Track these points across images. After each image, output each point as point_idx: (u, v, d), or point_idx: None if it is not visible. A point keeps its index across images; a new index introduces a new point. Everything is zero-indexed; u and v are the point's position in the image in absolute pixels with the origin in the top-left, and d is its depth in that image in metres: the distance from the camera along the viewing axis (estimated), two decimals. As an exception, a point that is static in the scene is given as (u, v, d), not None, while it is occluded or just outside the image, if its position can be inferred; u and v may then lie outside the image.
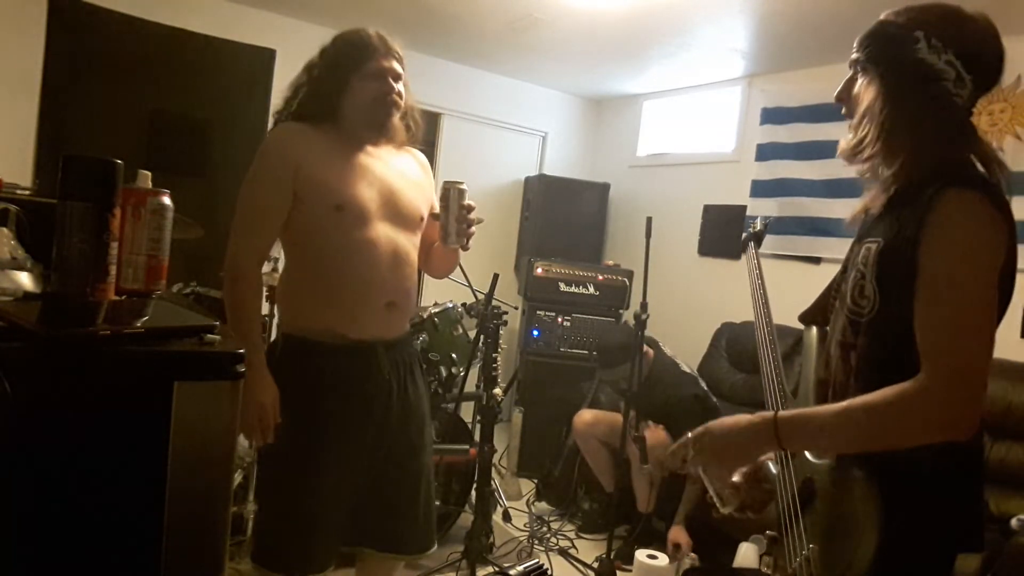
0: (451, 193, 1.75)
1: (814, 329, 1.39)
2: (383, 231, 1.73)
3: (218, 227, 3.36)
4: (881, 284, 1.11)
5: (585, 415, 3.50)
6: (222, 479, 0.90)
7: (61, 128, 3.63)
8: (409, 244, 1.79)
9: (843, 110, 1.24)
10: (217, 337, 0.91)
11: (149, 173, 1.17)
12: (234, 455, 0.94)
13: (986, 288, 1.02)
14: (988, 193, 1.03)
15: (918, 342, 1.03)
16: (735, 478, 1.32)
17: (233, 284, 1.73)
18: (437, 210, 1.85)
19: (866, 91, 1.17)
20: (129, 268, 1.13)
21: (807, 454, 1.25)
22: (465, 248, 1.82)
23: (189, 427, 0.83)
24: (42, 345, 0.80)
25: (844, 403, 1.07)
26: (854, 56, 1.20)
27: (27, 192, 1.61)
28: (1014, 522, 2.41)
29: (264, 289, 2.84)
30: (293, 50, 4.27)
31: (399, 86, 1.76)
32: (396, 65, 1.77)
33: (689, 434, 1.23)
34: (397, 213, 1.77)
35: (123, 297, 1.10)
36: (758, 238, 1.86)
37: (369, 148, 1.78)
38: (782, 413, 1.13)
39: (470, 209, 1.78)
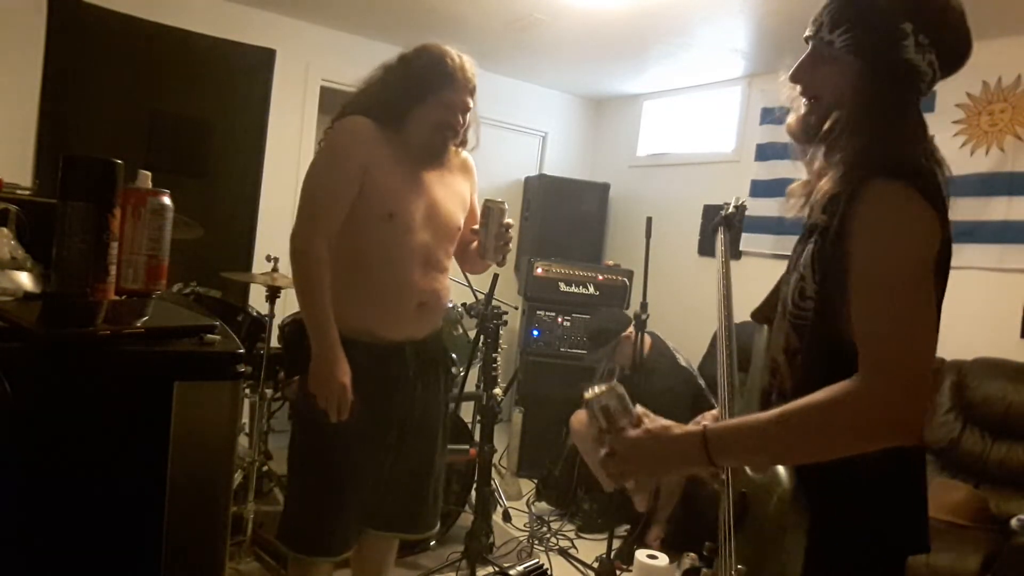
0: (492, 213, 1.88)
1: (765, 330, 1.28)
2: (422, 239, 1.84)
3: (218, 227, 3.37)
4: (820, 285, 1.03)
5: (581, 415, 3.50)
6: (222, 479, 0.90)
7: (61, 128, 3.63)
8: (443, 252, 1.91)
9: (796, 90, 1.13)
10: (217, 337, 0.91)
11: (149, 173, 1.17)
12: (234, 455, 0.94)
13: (917, 280, 0.95)
14: (916, 184, 0.96)
15: (856, 339, 0.96)
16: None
17: (302, 258, 1.75)
18: (466, 212, 1.98)
19: (838, 77, 1.07)
20: (129, 268, 1.13)
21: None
22: (501, 264, 1.99)
23: (189, 427, 0.83)
24: (42, 345, 0.80)
25: (778, 410, 0.97)
26: (826, 37, 1.08)
27: (27, 192, 1.60)
28: (1014, 522, 2.41)
29: (265, 289, 2.86)
30: (293, 50, 4.31)
31: (466, 118, 1.87)
32: (469, 100, 1.85)
33: (608, 438, 1.12)
34: (437, 224, 1.87)
35: (123, 297, 1.10)
36: (728, 222, 1.73)
37: (427, 163, 1.88)
38: (711, 427, 1.03)
39: (509, 227, 1.91)
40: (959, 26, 1.04)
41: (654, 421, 1.10)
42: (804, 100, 1.13)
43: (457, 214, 1.93)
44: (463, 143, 1.97)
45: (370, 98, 1.83)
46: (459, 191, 1.96)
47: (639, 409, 1.12)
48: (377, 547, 2.03)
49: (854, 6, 1.06)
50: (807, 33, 1.13)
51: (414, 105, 1.80)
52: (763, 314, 1.29)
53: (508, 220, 1.89)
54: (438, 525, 2.06)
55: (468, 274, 2.29)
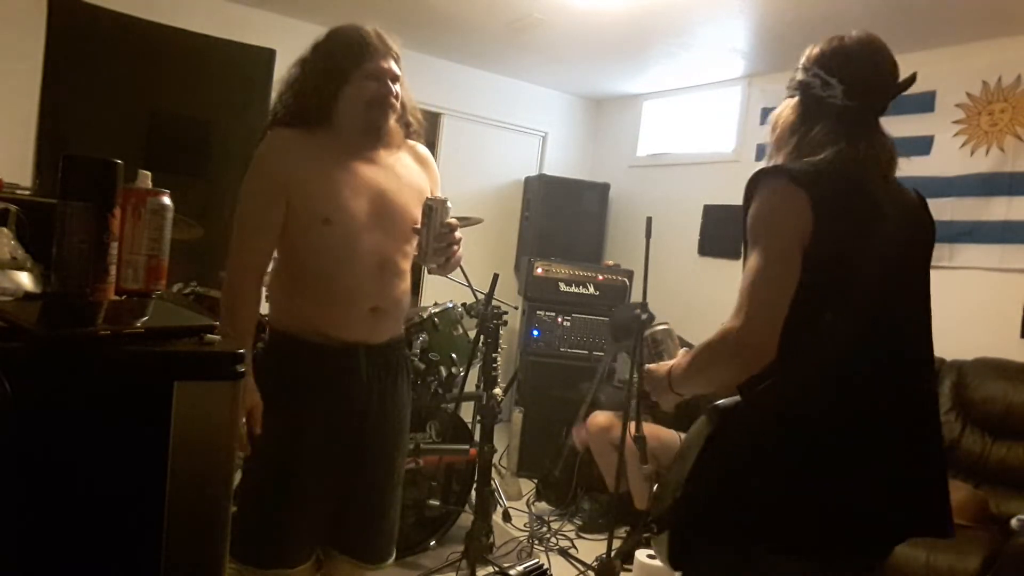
0: (432, 211, 1.65)
1: None
2: (371, 241, 1.70)
3: (218, 227, 3.38)
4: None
5: (600, 418, 3.46)
6: (222, 479, 0.90)
7: (61, 128, 3.63)
8: (398, 252, 1.75)
9: None
10: (217, 337, 0.91)
11: (149, 173, 1.17)
12: (234, 455, 0.94)
13: (778, 255, 1.23)
14: (794, 176, 1.28)
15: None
16: None
17: (229, 294, 1.74)
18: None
19: (772, 114, 1.51)
20: (129, 268, 1.13)
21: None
22: (443, 270, 1.78)
23: (189, 427, 0.83)
24: (42, 345, 0.80)
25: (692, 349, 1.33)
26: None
27: (27, 192, 1.61)
28: (1014, 522, 2.41)
29: (265, 290, 2.85)
30: (293, 50, 4.27)
31: (396, 87, 1.71)
32: (394, 65, 1.72)
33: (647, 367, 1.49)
34: (388, 221, 1.73)
35: (123, 297, 1.10)
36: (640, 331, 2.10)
37: (367, 155, 1.73)
38: (674, 363, 1.39)
39: (452, 228, 1.68)
40: (854, 58, 1.38)
41: (666, 361, 1.46)
42: None
43: (411, 207, 1.75)
44: (409, 131, 1.82)
45: (290, 101, 1.73)
46: (414, 183, 1.79)
47: (683, 351, 1.44)
48: (339, 571, 1.83)
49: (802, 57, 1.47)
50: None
51: (339, 89, 1.68)
52: None
53: (451, 220, 1.67)
54: (391, 557, 1.86)
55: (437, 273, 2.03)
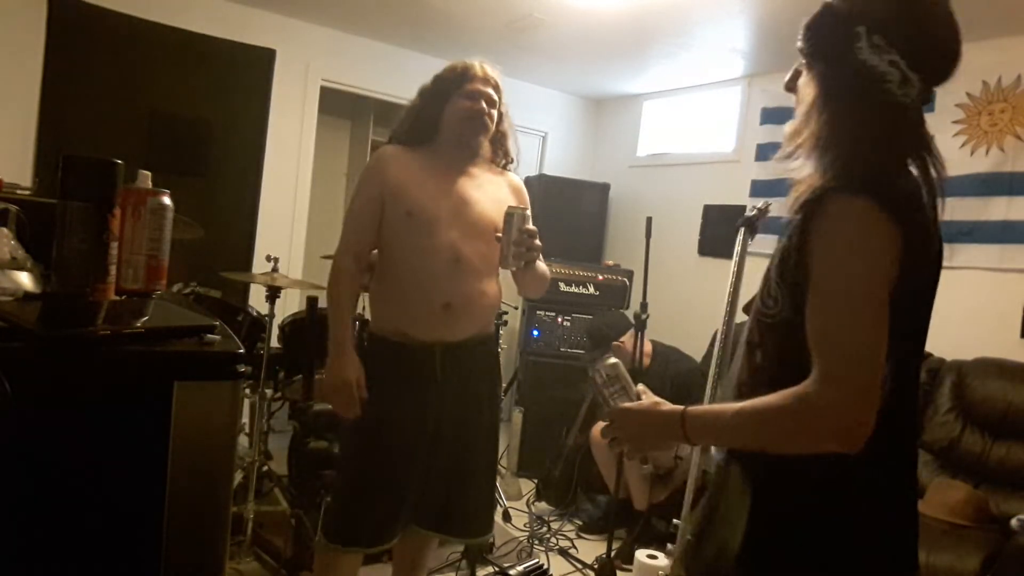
0: (512, 219, 1.80)
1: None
2: (449, 238, 1.86)
3: (218, 227, 3.37)
4: (782, 285, 1.08)
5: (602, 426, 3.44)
6: (222, 479, 0.90)
7: (61, 128, 3.63)
8: (475, 252, 1.89)
9: (795, 100, 1.16)
10: (217, 337, 0.91)
11: (149, 173, 1.17)
12: (234, 455, 0.94)
13: (874, 299, 0.97)
14: (882, 200, 0.97)
15: (810, 347, 1.00)
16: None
17: (331, 271, 1.95)
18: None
19: (807, 88, 1.10)
20: (129, 268, 1.13)
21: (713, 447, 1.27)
22: (524, 273, 1.90)
23: (189, 427, 0.83)
24: (42, 345, 0.80)
25: (739, 404, 1.04)
26: (799, 45, 1.11)
27: (27, 192, 1.60)
28: (1014, 522, 2.41)
29: (265, 289, 2.86)
30: (293, 50, 4.31)
31: (494, 112, 1.95)
32: (491, 91, 1.95)
33: (607, 410, 1.23)
34: (468, 221, 1.90)
35: (123, 297, 1.10)
36: (749, 224, 1.89)
37: (459, 167, 1.95)
38: (690, 410, 1.12)
39: (531, 234, 1.84)
40: (924, 22, 1.04)
41: (650, 397, 1.22)
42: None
43: (491, 214, 1.92)
44: (507, 162, 2.05)
45: (404, 123, 1.99)
46: (500, 198, 1.95)
47: (640, 387, 1.25)
48: (412, 543, 2.09)
49: (820, 13, 1.09)
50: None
51: (441, 108, 1.93)
52: (749, 307, 1.35)
53: (530, 226, 1.84)
54: (489, 531, 2.11)
55: (527, 297, 2.25)
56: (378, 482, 1.90)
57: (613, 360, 1.27)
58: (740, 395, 1.17)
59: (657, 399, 1.21)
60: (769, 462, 1.04)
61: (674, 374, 3.47)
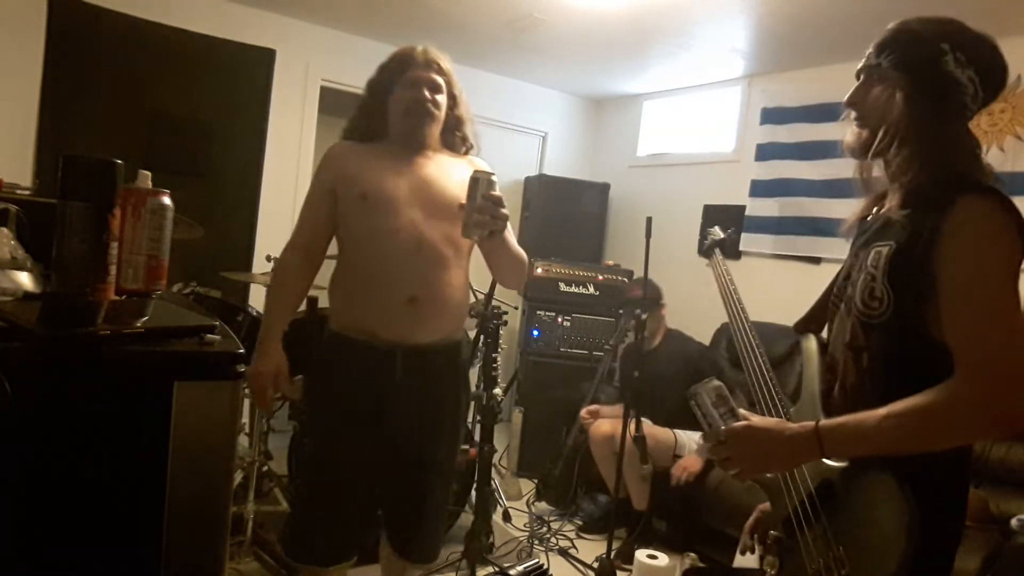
0: (477, 184, 1.62)
1: (812, 338, 1.39)
2: (409, 219, 1.72)
3: (218, 227, 3.37)
4: (894, 286, 1.13)
5: (604, 426, 3.43)
6: (222, 479, 0.90)
7: (61, 128, 3.63)
8: (440, 234, 1.74)
9: (851, 115, 1.25)
10: (217, 337, 0.91)
11: (149, 173, 1.17)
12: (234, 455, 0.94)
13: (1010, 290, 1.05)
14: (1000, 198, 1.07)
15: (952, 347, 1.06)
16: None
17: (272, 273, 1.89)
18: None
19: (886, 97, 1.18)
20: (129, 268, 1.13)
21: None
22: (486, 240, 1.69)
23: (189, 427, 0.83)
24: (42, 345, 0.80)
25: (884, 410, 1.07)
26: (872, 62, 1.21)
27: (27, 192, 1.60)
28: (1014, 522, 2.41)
29: (265, 289, 2.86)
30: (293, 50, 4.30)
31: (439, 97, 1.82)
32: (435, 76, 1.82)
33: (723, 428, 1.22)
34: (429, 200, 1.76)
35: (123, 297, 1.10)
36: (721, 245, 1.89)
37: (415, 154, 1.82)
38: (823, 424, 1.14)
39: (496, 201, 1.63)
40: (992, 48, 1.16)
41: (763, 419, 1.23)
42: (855, 122, 1.24)
43: (456, 193, 1.74)
44: (466, 146, 1.92)
45: (353, 120, 1.90)
46: (463, 178, 1.73)
47: (743, 411, 1.24)
48: (389, 565, 1.95)
49: (897, 34, 1.20)
50: (859, 67, 1.25)
51: (386, 100, 1.83)
52: (806, 324, 1.41)
53: (496, 192, 1.63)
54: (435, 558, 1.94)
55: (507, 287, 2.06)
56: (329, 496, 1.77)
57: (717, 382, 1.26)
58: (848, 398, 1.21)
59: (777, 420, 1.23)
60: (921, 462, 1.06)
61: (688, 353, 3.53)
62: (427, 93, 1.79)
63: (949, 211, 1.06)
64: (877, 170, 1.27)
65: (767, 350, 1.48)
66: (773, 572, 1.31)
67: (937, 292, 1.08)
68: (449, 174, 1.82)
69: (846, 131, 1.28)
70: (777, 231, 3.98)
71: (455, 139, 1.91)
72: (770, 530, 1.35)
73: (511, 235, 1.84)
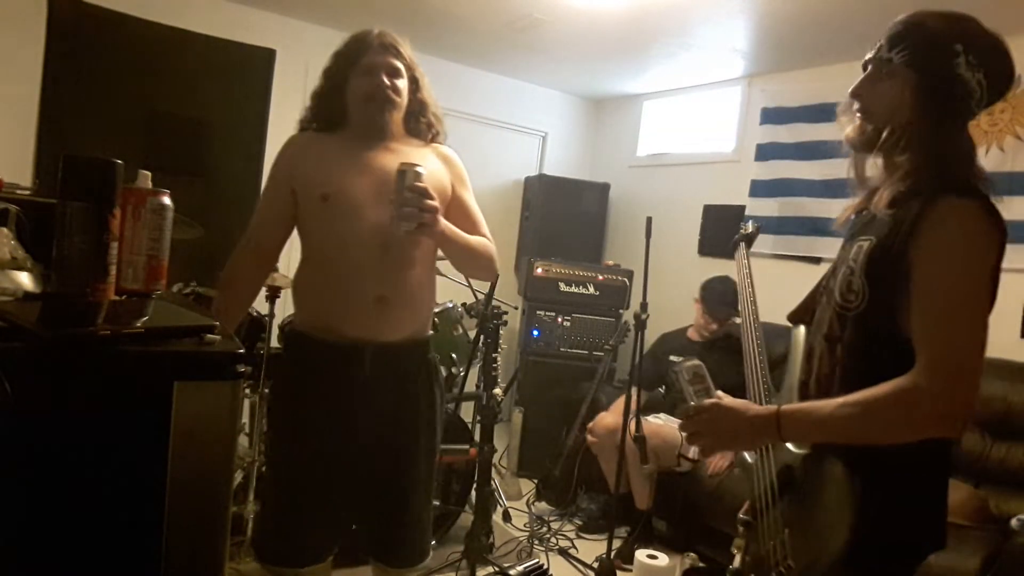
0: (404, 175, 1.58)
1: (802, 328, 1.42)
2: (373, 218, 1.65)
3: (218, 227, 3.37)
4: (870, 279, 1.14)
5: (607, 419, 3.44)
6: (222, 479, 0.90)
7: (61, 128, 3.62)
8: (408, 238, 1.66)
9: (853, 106, 1.24)
10: (217, 337, 0.91)
11: (149, 173, 1.17)
12: (234, 455, 0.94)
13: (980, 292, 1.08)
14: (982, 201, 1.08)
15: (914, 340, 1.07)
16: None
17: (222, 276, 1.80)
18: (443, 203, 1.74)
19: (896, 92, 1.17)
20: (129, 268, 1.13)
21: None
22: (414, 234, 1.61)
23: (189, 427, 0.83)
24: (42, 345, 0.80)
25: (841, 399, 1.10)
26: (884, 55, 1.18)
27: (27, 192, 1.60)
28: (1014, 522, 2.41)
29: (265, 289, 2.86)
30: (293, 50, 4.30)
31: (399, 83, 1.72)
32: (393, 60, 1.72)
33: (693, 404, 1.26)
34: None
35: (123, 297, 1.10)
36: (749, 240, 1.91)
37: (377, 146, 1.73)
38: (785, 408, 1.16)
39: (421, 193, 1.57)
40: (1004, 53, 1.17)
41: (733, 399, 1.26)
42: (859, 114, 1.23)
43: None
44: (431, 133, 1.82)
45: (310, 109, 1.83)
46: (429, 171, 1.69)
47: (718, 392, 1.28)
48: (377, 566, 1.86)
49: (911, 29, 1.17)
50: (866, 57, 1.23)
51: (343, 88, 1.74)
52: (799, 316, 1.43)
53: (420, 184, 1.58)
54: (425, 559, 1.85)
55: (475, 278, 2.07)
56: (300, 499, 1.71)
57: (696, 361, 1.33)
58: (820, 388, 1.24)
59: (743, 401, 1.26)
60: (875, 454, 1.08)
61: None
62: (385, 79, 1.70)
63: (930, 209, 1.07)
64: (870, 167, 1.27)
65: (767, 350, 1.52)
66: (739, 554, 1.35)
67: (909, 288, 1.09)
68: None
69: (846, 124, 1.27)
70: (777, 231, 3.98)
71: (419, 125, 1.82)
72: (741, 514, 1.39)
73: (483, 227, 1.82)
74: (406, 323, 1.73)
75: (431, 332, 1.87)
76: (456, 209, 1.80)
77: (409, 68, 1.77)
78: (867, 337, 1.16)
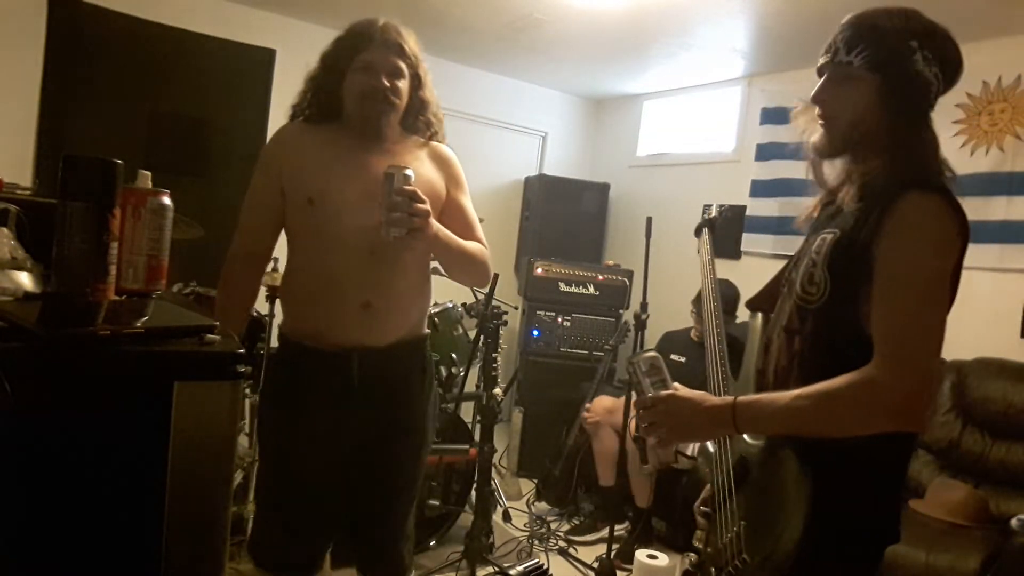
0: (391, 178, 1.51)
1: (759, 316, 1.41)
2: (359, 223, 1.59)
3: (218, 227, 3.37)
4: (832, 273, 1.14)
5: (605, 401, 3.50)
6: (222, 479, 0.90)
7: (61, 128, 3.63)
8: (397, 241, 1.57)
9: (816, 111, 1.24)
10: (217, 337, 0.91)
11: (149, 173, 1.17)
12: (234, 455, 0.94)
13: (940, 287, 1.07)
14: (946, 197, 1.08)
15: (873, 334, 1.07)
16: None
17: (219, 286, 1.75)
18: (436, 205, 1.67)
19: (860, 96, 1.17)
20: (129, 268, 1.13)
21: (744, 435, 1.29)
22: (404, 240, 1.53)
23: (189, 427, 0.83)
24: (42, 345, 0.80)
25: (797, 391, 1.09)
26: (844, 59, 1.18)
27: (27, 192, 1.60)
28: (1014, 522, 2.41)
29: (265, 289, 2.86)
30: (293, 50, 4.30)
31: (400, 83, 1.65)
32: (395, 59, 1.64)
33: (650, 395, 1.26)
34: None
35: (123, 297, 1.10)
36: (712, 225, 1.87)
37: (370, 146, 1.66)
38: (741, 399, 1.16)
39: (411, 196, 1.51)
40: (952, 42, 1.17)
41: (689, 390, 1.25)
42: (821, 120, 1.23)
43: None
44: (430, 132, 1.76)
45: (303, 96, 1.73)
46: (422, 173, 1.66)
47: (675, 384, 1.27)
48: None
49: (866, 31, 1.17)
50: (821, 62, 1.22)
51: (339, 82, 1.65)
52: (759, 303, 1.43)
53: (409, 187, 1.51)
54: (404, 574, 1.83)
55: (465, 285, 1.97)
56: (289, 508, 1.69)
57: (653, 352, 1.32)
58: (777, 379, 1.23)
59: (701, 392, 1.25)
60: (829, 447, 1.08)
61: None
62: (385, 80, 1.62)
63: (894, 205, 1.07)
64: (828, 167, 1.28)
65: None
66: (700, 546, 1.36)
67: (871, 282, 1.08)
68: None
69: (804, 125, 1.28)
70: (777, 231, 3.98)
71: (417, 123, 1.75)
72: (702, 505, 1.39)
73: (478, 231, 1.76)
74: (394, 328, 1.67)
75: (428, 331, 1.82)
76: (450, 212, 1.73)
77: (412, 65, 1.69)
78: (827, 330, 1.15)
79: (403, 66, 1.66)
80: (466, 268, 1.75)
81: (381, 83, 1.62)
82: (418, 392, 1.76)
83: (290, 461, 1.68)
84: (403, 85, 1.67)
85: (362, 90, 1.62)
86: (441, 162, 1.76)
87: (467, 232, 1.74)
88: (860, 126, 1.17)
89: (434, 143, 1.78)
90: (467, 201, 1.80)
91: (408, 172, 1.52)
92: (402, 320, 1.69)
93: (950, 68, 1.15)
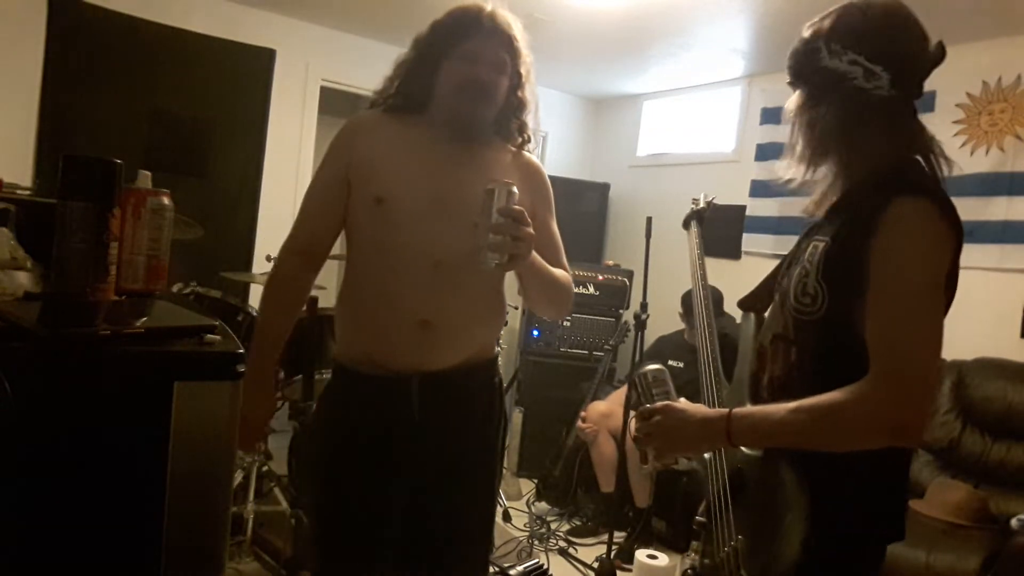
0: (492, 196, 1.30)
1: (752, 317, 1.39)
2: (428, 232, 1.41)
3: (218, 227, 3.37)
4: (828, 283, 1.11)
5: (600, 406, 3.50)
6: (222, 479, 0.90)
7: (61, 128, 3.62)
8: (465, 253, 1.38)
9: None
10: (217, 337, 0.91)
11: (149, 173, 1.17)
12: (234, 455, 0.94)
13: (933, 297, 1.04)
14: (937, 200, 1.05)
15: (868, 346, 1.04)
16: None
17: (266, 284, 1.57)
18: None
19: (797, 110, 1.20)
20: (129, 268, 1.13)
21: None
22: (506, 268, 1.34)
23: (189, 427, 0.83)
24: (42, 345, 0.80)
25: (794, 404, 1.06)
26: (789, 80, 1.23)
27: (27, 192, 1.60)
28: (1014, 522, 2.41)
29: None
30: (293, 50, 4.30)
31: (503, 79, 1.47)
32: (502, 52, 1.46)
33: (647, 406, 1.25)
34: (457, 212, 1.42)
35: (123, 297, 1.10)
36: (700, 216, 1.88)
37: (455, 145, 1.48)
38: (736, 412, 1.14)
39: (517, 217, 1.30)
40: (884, 15, 1.14)
41: (687, 402, 1.23)
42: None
43: None
44: (522, 139, 1.58)
45: (389, 82, 1.54)
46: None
47: (682, 399, 1.25)
48: None
49: (791, 54, 1.22)
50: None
51: (435, 71, 1.47)
52: (750, 303, 1.41)
53: (516, 207, 1.31)
54: None
55: (543, 316, 1.71)
56: (345, 552, 1.51)
57: (658, 365, 1.30)
58: (773, 389, 1.21)
59: (699, 405, 1.24)
60: (826, 459, 1.06)
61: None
62: (487, 73, 1.45)
63: (883, 211, 1.04)
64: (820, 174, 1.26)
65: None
66: (696, 556, 1.34)
67: (866, 295, 1.06)
68: (488, 177, 1.40)
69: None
70: (777, 231, 3.98)
71: (510, 126, 1.56)
72: (698, 516, 1.37)
73: (563, 258, 1.60)
74: (457, 350, 1.47)
75: (499, 350, 1.64)
76: (537, 234, 1.41)
77: (515, 60, 1.50)
78: (825, 343, 1.12)
79: (508, 60, 1.48)
80: (553, 299, 1.56)
81: (481, 75, 1.44)
82: (487, 421, 1.55)
83: (340, 496, 1.51)
84: (504, 82, 1.49)
85: (459, 81, 1.44)
86: (531, 175, 1.59)
87: (555, 259, 1.57)
88: (812, 138, 1.17)
89: (524, 152, 1.61)
90: (554, 224, 1.65)
91: (514, 189, 1.32)
92: (467, 340, 1.49)
93: (881, 41, 1.11)
